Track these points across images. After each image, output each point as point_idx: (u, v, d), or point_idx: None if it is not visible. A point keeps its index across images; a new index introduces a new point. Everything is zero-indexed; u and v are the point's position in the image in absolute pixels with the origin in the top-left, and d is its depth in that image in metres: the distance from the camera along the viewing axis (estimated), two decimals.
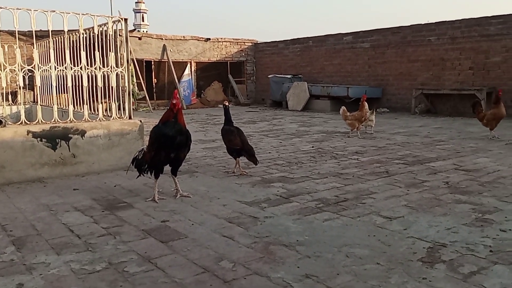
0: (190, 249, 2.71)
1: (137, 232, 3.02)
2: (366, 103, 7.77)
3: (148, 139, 4.07)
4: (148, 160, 3.86)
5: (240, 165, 4.92)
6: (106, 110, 5.31)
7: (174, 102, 3.77)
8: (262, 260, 2.54)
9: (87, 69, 5.06)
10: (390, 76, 13.42)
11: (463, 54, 11.65)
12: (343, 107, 7.96)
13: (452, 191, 3.95)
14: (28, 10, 4.47)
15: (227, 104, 5.08)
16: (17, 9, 4.41)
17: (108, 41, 5.09)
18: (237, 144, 4.78)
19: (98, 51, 5.10)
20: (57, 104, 5.07)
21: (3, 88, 5.23)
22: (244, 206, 3.62)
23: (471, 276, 2.29)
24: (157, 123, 3.97)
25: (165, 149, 3.79)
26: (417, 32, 12.65)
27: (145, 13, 74.94)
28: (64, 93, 5.78)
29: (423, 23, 12.62)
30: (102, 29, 5.14)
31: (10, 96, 8.70)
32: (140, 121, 5.32)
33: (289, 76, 15.66)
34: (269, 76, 16.31)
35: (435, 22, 12.30)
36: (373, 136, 7.81)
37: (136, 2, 74.75)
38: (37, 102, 5.38)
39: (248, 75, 18.35)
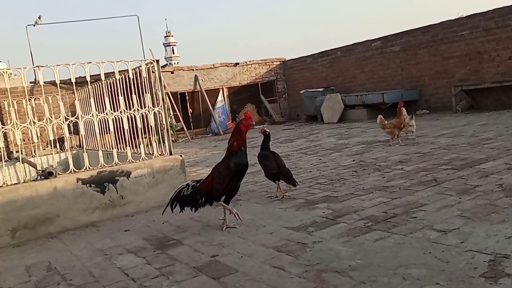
0: (242, 284, 2.71)
1: (188, 270, 3.06)
2: (403, 108, 7.58)
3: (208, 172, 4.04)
4: (218, 191, 3.87)
5: (281, 188, 4.92)
6: (147, 146, 5.49)
7: (250, 122, 3.85)
8: None
9: (127, 112, 5.26)
10: (426, 76, 13.07)
11: (500, 45, 11.18)
12: (380, 116, 7.80)
13: (508, 194, 3.74)
14: (67, 65, 4.74)
15: (267, 131, 5.10)
16: (57, 65, 4.68)
17: (143, 83, 5.29)
18: (273, 168, 4.80)
19: (135, 93, 5.30)
20: (101, 146, 5.29)
21: (51, 140, 5.51)
22: (291, 232, 3.59)
23: None
24: (227, 153, 3.94)
25: (238, 177, 3.90)
26: (448, 28, 12.30)
27: (175, 45, 77.46)
28: (107, 133, 6.04)
29: (453, 18, 12.28)
30: (137, 71, 5.36)
31: (58, 143, 9.18)
32: (181, 155, 5.44)
33: (321, 89, 15.59)
34: (300, 92, 16.30)
35: (466, 16, 11.93)
36: (415, 141, 7.58)
37: (165, 36, 77.48)
38: (82, 147, 5.64)
39: (280, 93, 18.44)
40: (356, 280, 2.55)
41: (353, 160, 6.59)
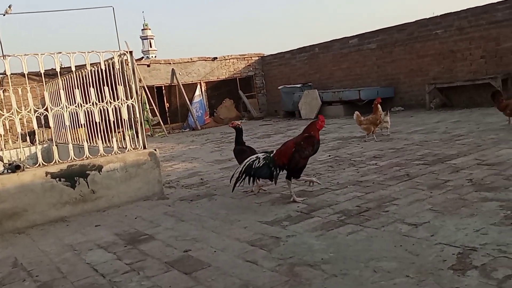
0: (214, 279, 2.68)
1: (160, 265, 3.00)
2: (379, 105, 7.67)
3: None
4: (303, 166, 4.24)
5: (258, 183, 4.89)
6: (120, 140, 5.37)
7: (323, 124, 4.22)
8: (288, 284, 2.49)
9: (98, 104, 5.13)
10: (401, 74, 13.27)
11: (473, 44, 11.44)
12: (357, 112, 7.86)
13: (477, 189, 3.83)
14: (35, 55, 4.58)
15: (239, 124, 5.07)
16: (25, 55, 4.52)
17: (116, 74, 5.16)
18: None
19: (107, 85, 5.17)
20: (72, 140, 5.14)
21: (18, 133, 5.33)
22: (266, 226, 3.57)
23: (506, 280, 2.19)
24: (307, 135, 4.21)
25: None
26: (423, 27, 12.50)
27: (152, 39, 76.39)
28: (78, 127, 5.88)
29: (428, 17, 12.48)
30: (109, 63, 5.22)
31: (28, 137, 8.90)
32: (155, 149, 5.35)
33: (299, 85, 15.63)
34: (279, 88, 16.31)
35: (441, 15, 12.14)
36: (390, 137, 7.69)
37: (142, 29, 76.32)
38: (53, 140, 5.48)
39: (258, 89, 18.41)
40: (328, 273, 2.56)
41: (329, 155, 6.63)
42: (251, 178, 4.17)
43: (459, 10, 11.70)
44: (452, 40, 11.86)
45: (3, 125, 4.90)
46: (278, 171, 4.16)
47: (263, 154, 4.25)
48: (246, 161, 4.17)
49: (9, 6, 18.19)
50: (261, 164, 4.13)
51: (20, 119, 4.81)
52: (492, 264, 2.38)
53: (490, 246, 2.61)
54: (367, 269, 2.54)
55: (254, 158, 4.17)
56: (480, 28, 11.24)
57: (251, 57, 18.22)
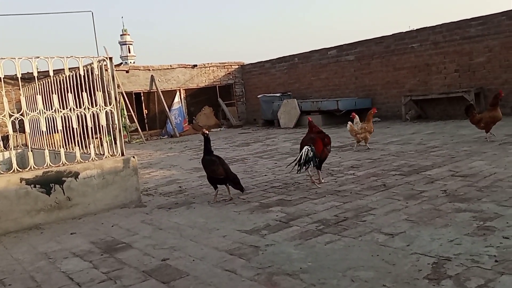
0: None
1: (137, 275, 2.97)
2: (357, 116, 7.83)
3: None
4: (325, 158, 5.30)
5: (229, 191, 4.91)
6: (98, 146, 5.29)
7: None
8: None
9: (76, 110, 5.05)
10: (378, 85, 13.55)
11: (447, 58, 11.81)
12: (350, 123, 7.86)
13: (451, 200, 3.94)
14: (12, 58, 4.48)
15: (206, 132, 5.07)
16: (1, 58, 4.42)
17: (94, 80, 5.10)
18: (221, 173, 4.78)
19: (86, 91, 5.10)
20: (48, 146, 5.05)
21: None
22: (244, 235, 3.58)
23: None
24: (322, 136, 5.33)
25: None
26: (399, 40, 12.83)
27: (131, 44, 75.75)
28: (55, 133, 5.77)
29: (405, 31, 12.82)
30: (88, 69, 5.16)
31: (1, 142, 8.66)
32: (133, 156, 5.29)
33: (278, 95, 15.76)
34: (258, 96, 16.41)
35: (417, 29, 12.50)
36: (367, 148, 7.82)
37: (121, 35, 75.61)
38: (28, 146, 5.36)
39: (238, 97, 18.46)
40: (307, 282, 2.58)
41: None
42: (305, 164, 4.99)
43: (434, 25, 12.07)
44: (427, 54, 12.21)
45: None
46: (317, 161, 5.09)
47: (310, 147, 5.02)
48: (303, 150, 4.98)
49: None
50: (311, 154, 4.98)
51: None
52: (466, 274, 2.45)
53: (464, 256, 2.69)
54: (344, 279, 2.58)
55: (309, 148, 4.98)
56: (454, 43, 11.61)
57: (231, 65, 18.29)
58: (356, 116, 8.04)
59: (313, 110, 13.92)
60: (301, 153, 5.00)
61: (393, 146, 7.68)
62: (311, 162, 5.03)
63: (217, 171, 4.78)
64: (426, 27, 12.23)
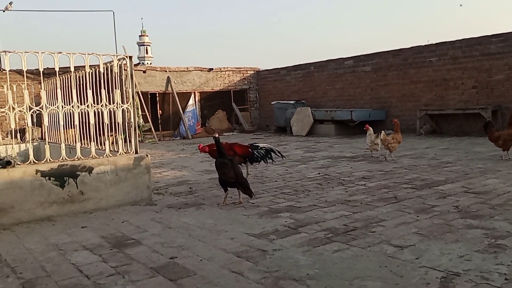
0: (199, 287, 2.68)
1: (145, 271, 3.00)
2: (370, 127, 7.82)
3: None
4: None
5: (240, 194, 4.94)
6: (112, 143, 5.36)
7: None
8: None
9: (94, 106, 5.14)
10: (393, 98, 13.48)
11: (466, 74, 11.71)
12: (384, 132, 7.77)
13: (463, 216, 3.90)
14: (35, 52, 4.59)
15: (217, 135, 5.12)
16: (26, 52, 4.53)
17: (113, 78, 5.19)
18: (231, 177, 4.80)
19: (104, 88, 5.19)
20: (65, 140, 5.13)
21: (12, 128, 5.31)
22: (253, 239, 3.59)
23: None
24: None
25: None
26: (418, 53, 12.77)
27: (149, 45, 76.60)
28: (71, 128, 5.87)
29: (423, 44, 12.75)
30: (108, 66, 5.25)
31: (18, 134, 8.82)
32: (147, 155, 5.35)
33: (292, 102, 15.78)
34: (272, 103, 16.44)
35: (436, 43, 12.43)
36: (379, 160, 7.78)
37: (140, 36, 76.54)
38: (45, 139, 5.45)
39: (252, 102, 18.53)
40: None
41: (319, 173, 6.69)
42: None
43: (454, 40, 11.99)
44: (445, 68, 12.12)
45: None
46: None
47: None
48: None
49: (10, 3, 18.18)
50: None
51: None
52: None
53: (473, 272, 2.66)
54: (351, 287, 2.57)
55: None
56: (473, 59, 11.51)
57: (246, 70, 18.38)
58: (370, 128, 8.03)
59: (327, 119, 13.90)
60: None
61: (406, 159, 7.63)
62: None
63: (228, 174, 4.81)
64: (445, 41, 12.15)
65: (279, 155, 6.29)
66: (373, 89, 14.05)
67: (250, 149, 5.91)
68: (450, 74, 12.02)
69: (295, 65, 16.94)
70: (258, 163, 6.14)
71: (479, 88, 11.47)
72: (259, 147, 6.09)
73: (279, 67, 17.66)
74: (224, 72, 17.74)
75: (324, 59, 15.72)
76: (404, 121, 13.13)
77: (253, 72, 18.51)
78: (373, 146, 7.91)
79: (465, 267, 2.75)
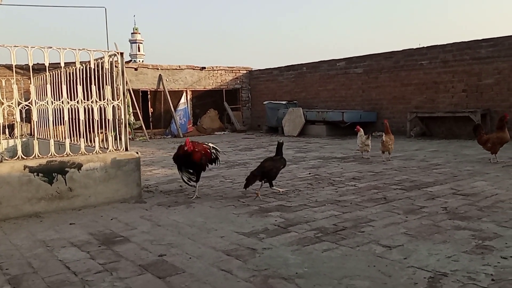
0: (188, 285, 2.67)
1: (134, 268, 2.98)
2: (361, 129, 7.87)
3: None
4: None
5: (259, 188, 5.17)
6: (102, 141, 5.32)
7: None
8: None
9: (84, 102, 5.09)
10: (384, 100, 13.57)
11: (456, 77, 11.83)
12: (384, 134, 7.74)
13: (451, 217, 3.94)
14: (25, 47, 4.53)
15: (281, 140, 5.58)
16: (15, 46, 4.47)
17: (104, 74, 5.14)
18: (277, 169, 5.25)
19: (95, 84, 5.15)
20: (54, 136, 5.08)
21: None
22: (242, 237, 3.58)
23: None
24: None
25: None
26: (409, 56, 12.87)
27: (141, 43, 76.24)
28: (60, 124, 5.81)
29: (415, 47, 12.86)
30: (99, 63, 5.21)
31: (7, 129, 8.72)
32: (137, 152, 5.32)
33: (284, 102, 15.81)
34: (264, 103, 16.45)
35: (427, 46, 12.54)
36: (369, 161, 7.83)
37: (132, 33, 76.13)
38: (33, 135, 5.39)
39: (244, 102, 18.52)
40: (302, 287, 2.58)
41: (309, 173, 6.70)
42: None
43: (445, 43, 12.11)
44: (436, 71, 12.24)
45: None
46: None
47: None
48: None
49: None
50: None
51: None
52: None
53: (461, 272, 2.69)
54: (340, 286, 2.58)
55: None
56: (464, 62, 11.64)
57: (239, 70, 18.37)
58: (361, 129, 8.08)
59: (318, 120, 13.95)
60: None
61: (396, 161, 7.68)
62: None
63: (279, 169, 5.28)
64: (437, 45, 12.28)
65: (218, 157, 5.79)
66: (365, 91, 14.13)
67: (208, 150, 5.59)
68: (440, 77, 12.14)
69: (287, 66, 16.97)
70: (214, 164, 5.74)
71: (469, 92, 11.60)
72: (212, 148, 5.72)
73: (272, 67, 17.69)
74: (216, 71, 17.71)
75: (317, 60, 15.78)
76: (394, 123, 13.23)
77: (245, 71, 18.51)
78: (363, 147, 7.95)
79: (452, 267, 2.77)
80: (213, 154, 5.59)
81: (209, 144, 5.73)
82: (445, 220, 3.86)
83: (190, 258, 3.14)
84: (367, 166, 7.25)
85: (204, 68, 17.35)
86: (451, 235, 3.43)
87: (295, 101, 16.02)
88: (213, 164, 5.68)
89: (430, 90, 12.39)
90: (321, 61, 15.60)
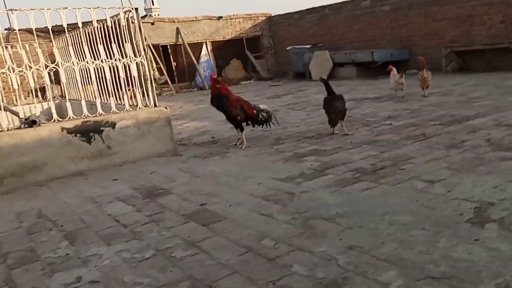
0: (231, 230, 2.73)
1: (178, 218, 3.06)
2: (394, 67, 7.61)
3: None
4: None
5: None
6: (131, 98, 5.35)
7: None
8: (303, 236, 2.53)
9: (108, 61, 5.08)
10: (415, 37, 12.93)
11: (492, 9, 11.05)
12: (425, 70, 7.56)
13: (495, 149, 3.80)
14: (41, 9, 4.49)
15: (325, 77, 5.62)
16: (31, 9, 4.44)
17: (122, 31, 5.08)
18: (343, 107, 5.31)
19: (115, 42, 5.10)
20: (84, 97, 5.15)
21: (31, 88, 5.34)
22: (279, 183, 3.60)
23: None
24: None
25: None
26: None
27: None
28: (89, 84, 5.87)
29: None
30: (115, 20, 5.12)
31: (39, 93, 8.90)
32: (166, 108, 5.34)
33: (308, 46, 15.29)
34: (287, 48, 15.98)
35: None
36: (405, 99, 7.58)
37: None
38: (65, 97, 5.46)
39: (266, 49, 18.06)
40: (343, 226, 2.59)
41: None
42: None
43: None
44: (470, 4, 11.45)
45: (16, 80, 4.87)
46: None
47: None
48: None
49: None
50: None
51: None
52: (511, 218, 2.39)
53: (509, 201, 2.62)
54: (382, 222, 2.57)
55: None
56: None
57: (257, 16, 17.76)
58: (394, 68, 7.77)
59: (347, 62, 13.52)
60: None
61: (433, 97, 7.40)
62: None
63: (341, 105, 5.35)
64: None
65: (276, 122, 5.63)
66: (394, 29, 13.47)
67: (255, 111, 5.44)
68: (475, 10, 11.37)
69: (308, 9, 16.28)
70: (260, 127, 5.56)
71: (507, 23, 10.84)
72: (262, 110, 5.55)
73: (292, 11, 17.04)
74: (234, 20, 17.21)
75: (339, 1, 15.06)
76: (429, 59, 12.56)
77: (264, 18, 17.90)
78: (397, 86, 7.68)
79: (499, 196, 2.70)
80: (260, 115, 5.44)
81: (259, 106, 5.59)
82: (489, 152, 3.73)
83: (230, 205, 3.19)
84: (402, 104, 7.04)
85: (221, 17, 16.87)
86: (496, 166, 3.33)
87: (320, 44, 15.49)
88: (261, 126, 5.54)
89: (465, 24, 11.66)
90: (345, 1, 14.87)
